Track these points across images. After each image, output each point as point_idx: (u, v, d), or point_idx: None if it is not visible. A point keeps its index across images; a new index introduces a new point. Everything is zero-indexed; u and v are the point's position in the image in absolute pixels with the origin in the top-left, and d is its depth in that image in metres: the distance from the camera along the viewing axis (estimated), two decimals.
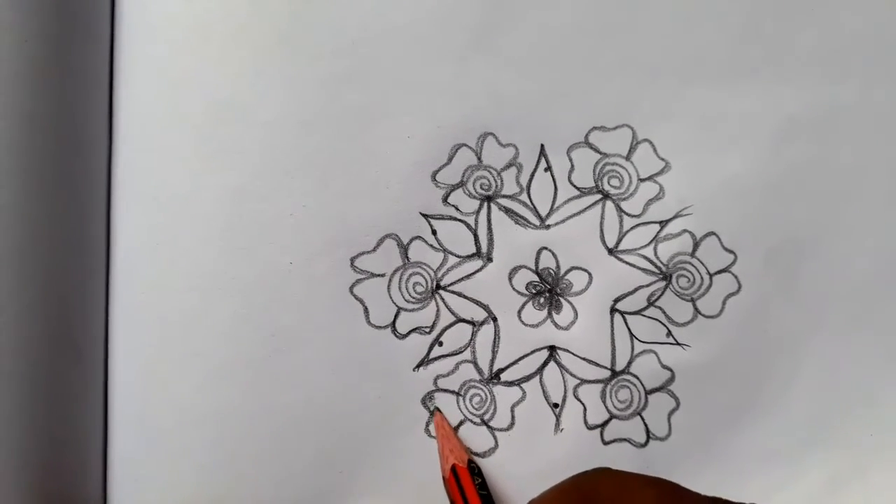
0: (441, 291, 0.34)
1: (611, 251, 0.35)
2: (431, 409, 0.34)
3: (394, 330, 0.34)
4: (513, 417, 0.34)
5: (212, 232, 0.33)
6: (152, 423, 0.33)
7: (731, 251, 0.35)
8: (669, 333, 0.35)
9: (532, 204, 0.35)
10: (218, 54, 0.33)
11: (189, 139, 0.33)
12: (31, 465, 0.30)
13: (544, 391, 0.34)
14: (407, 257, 0.34)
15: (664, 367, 0.34)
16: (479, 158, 0.34)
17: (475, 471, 0.32)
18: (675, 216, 0.35)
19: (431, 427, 0.34)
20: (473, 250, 0.34)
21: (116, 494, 0.33)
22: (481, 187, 0.35)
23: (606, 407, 0.34)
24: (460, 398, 0.34)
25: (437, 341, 0.34)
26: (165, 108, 0.33)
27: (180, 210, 0.33)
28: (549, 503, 0.25)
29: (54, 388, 0.31)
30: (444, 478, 0.33)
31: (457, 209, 0.34)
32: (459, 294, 0.34)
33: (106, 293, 0.33)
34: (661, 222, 0.35)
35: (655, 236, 0.35)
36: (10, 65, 0.29)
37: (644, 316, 0.35)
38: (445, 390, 0.34)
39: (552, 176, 0.35)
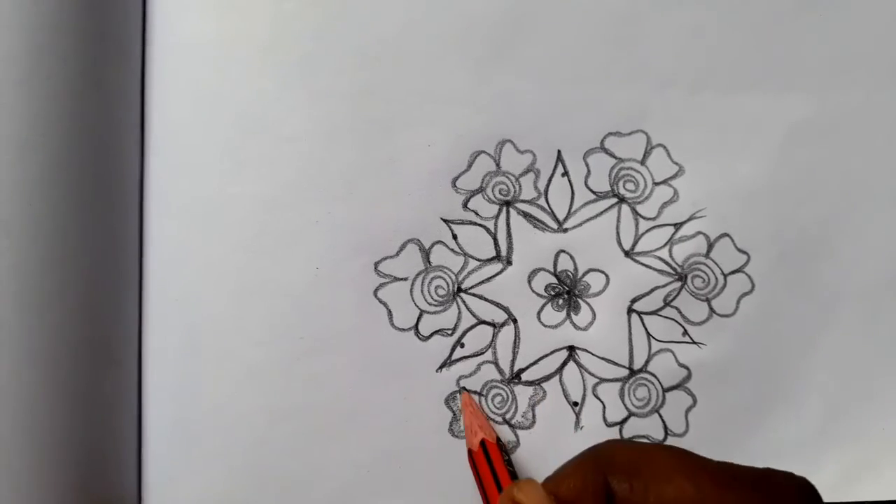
0: (462, 294, 0.35)
1: (627, 253, 0.35)
2: (458, 395, 0.34)
3: (417, 332, 0.34)
4: (534, 416, 0.35)
5: (241, 240, 0.34)
6: (185, 425, 0.34)
7: (744, 252, 0.35)
8: (685, 332, 0.35)
9: (550, 208, 0.35)
10: (245, 70, 0.34)
11: (218, 152, 0.34)
12: (69, 466, 0.30)
13: (564, 390, 0.35)
14: (429, 261, 0.35)
15: (681, 365, 0.35)
16: (497, 165, 0.35)
17: (503, 448, 0.33)
18: (690, 218, 0.35)
19: (455, 426, 0.34)
20: (493, 254, 0.35)
21: (151, 494, 0.34)
22: (500, 192, 0.35)
23: (625, 405, 0.35)
24: (482, 398, 0.35)
25: (459, 343, 0.35)
26: (195, 123, 0.34)
27: (211, 219, 0.34)
28: (568, 478, 0.25)
29: (90, 392, 0.31)
30: (470, 451, 0.33)
31: (477, 214, 0.35)
32: (480, 297, 0.35)
33: (139, 300, 0.34)
34: (675, 224, 0.35)
35: (670, 238, 0.35)
36: (49, 82, 0.30)
37: (660, 316, 0.35)
38: (468, 391, 0.34)
39: (569, 181, 0.35)
